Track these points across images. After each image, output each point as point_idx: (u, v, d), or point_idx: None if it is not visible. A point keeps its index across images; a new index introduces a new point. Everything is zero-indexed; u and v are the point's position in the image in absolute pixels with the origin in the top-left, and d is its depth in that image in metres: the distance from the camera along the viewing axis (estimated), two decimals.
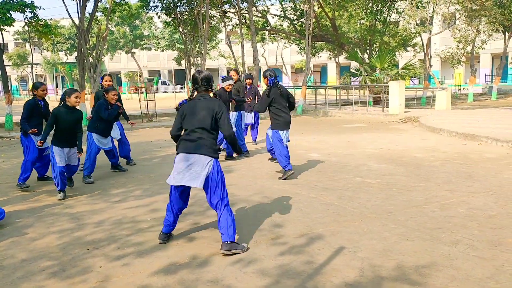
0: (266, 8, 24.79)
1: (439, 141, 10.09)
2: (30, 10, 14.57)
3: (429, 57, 23.53)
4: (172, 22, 21.43)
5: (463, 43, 23.40)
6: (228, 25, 24.08)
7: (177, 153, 3.96)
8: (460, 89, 31.23)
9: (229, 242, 3.79)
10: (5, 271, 3.62)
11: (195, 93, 4.04)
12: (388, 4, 22.29)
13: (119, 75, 59.95)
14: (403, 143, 9.93)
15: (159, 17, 22.40)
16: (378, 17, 22.41)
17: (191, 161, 3.84)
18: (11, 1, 14.05)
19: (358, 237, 4.15)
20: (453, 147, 9.16)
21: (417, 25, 22.14)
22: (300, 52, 30.61)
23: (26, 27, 16.01)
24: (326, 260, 3.65)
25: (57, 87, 54.01)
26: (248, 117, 10.10)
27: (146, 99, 16.95)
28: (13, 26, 14.39)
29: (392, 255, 3.70)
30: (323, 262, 3.62)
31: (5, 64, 15.51)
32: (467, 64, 29.08)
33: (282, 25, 29.65)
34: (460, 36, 22.99)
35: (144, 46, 48.02)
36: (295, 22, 24.45)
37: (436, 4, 20.53)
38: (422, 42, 24.24)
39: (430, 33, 22.29)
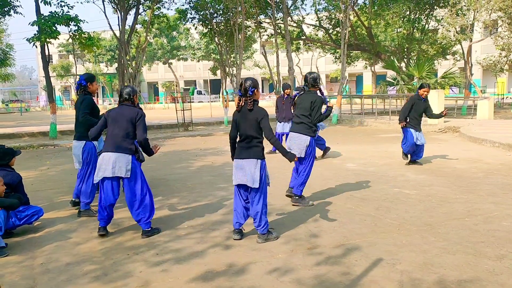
0: (301, 18, 24.84)
1: (482, 151, 9.74)
2: (74, 23, 15.17)
3: (469, 65, 22.83)
4: (208, 33, 21.81)
5: (506, 50, 22.56)
6: (263, 35, 24.27)
7: None
8: (503, 98, 30.10)
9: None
10: (51, 274, 3.77)
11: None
12: (427, 11, 21.86)
13: (157, 85, 61.45)
14: (443, 153, 9.66)
15: (195, 28, 22.90)
16: (416, 25, 22.00)
17: None
18: (56, 15, 14.72)
19: (397, 249, 4.07)
20: (496, 158, 8.83)
21: (457, 32, 21.55)
22: (335, 62, 30.41)
23: (70, 40, 16.70)
24: (363, 272, 3.60)
25: (97, 97, 55.94)
26: (285, 127, 10.12)
27: (182, 109, 17.27)
28: (58, 39, 15.04)
29: (433, 269, 3.61)
30: (360, 273, 3.57)
31: (50, 75, 16.23)
32: (510, 72, 28.05)
33: (317, 35, 29.62)
34: (503, 43, 22.19)
35: (181, 56, 49.07)
36: (330, 31, 24.36)
37: (477, 11, 19.95)
38: (463, 50, 23.55)
39: (470, 41, 21.65)
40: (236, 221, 4.48)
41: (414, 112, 8.07)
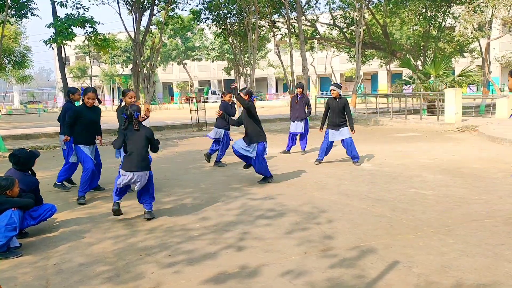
0: (315, 17, 24.69)
1: (501, 151, 9.52)
2: (90, 25, 15.37)
3: (488, 63, 22.40)
4: (222, 33, 21.84)
5: None
6: (277, 34, 24.19)
7: None
8: None
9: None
10: (64, 275, 3.78)
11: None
12: (443, 9, 21.50)
13: (171, 86, 61.81)
14: (461, 153, 9.47)
15: (209, 28, 22.93)
16: (433, 22, 21.65)
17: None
18: (72, 17, 14.90)
19: (413, 251, 3.97)
20: None
21: (474, 30, 21.15)
22: (350, 60, 30.16)
23: (86, 41, 16.88)
24: (379, 275, 3.51)
25: (113, 97, 56.55)
26: (298, 126, 10.06)
27: (196, 109, 17.31)
28: (74, 40, 15.22)
29: (451, 272, 3.51)
30: (376, 276, 3.49)
31: (66, 77, 16.43)
32: None
33: (331, 34, 29.42)
34: None
35: (195, 57, 49.26)
36: (344, 30, 24.15)
37: (495, 8, 19.53)
38: (480, 48, 23.13)
39: (489, 38, 21.25)
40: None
41: None
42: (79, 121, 6.38)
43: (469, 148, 10.26)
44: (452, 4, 21.09)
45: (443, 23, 22.35)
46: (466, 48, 24.68)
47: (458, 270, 3.53)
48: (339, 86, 8.59)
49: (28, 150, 5.09)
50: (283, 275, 3.57)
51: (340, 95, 8.47)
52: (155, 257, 4.09)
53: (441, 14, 21.84)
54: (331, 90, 8.51)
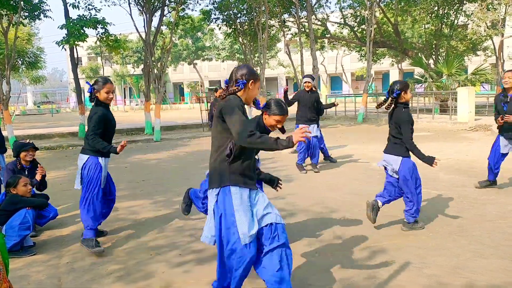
0: (325, 16, 24.58)
1: None
2: (102, 26, 15.47)
3: (501, 61, 22.08)
4: (232, 33, 21.86)
5: None
6: (287, 34, 24.14)
7: None
8: None
9: None
10: (76, 274, 3.81)
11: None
12: (456, 7, 21.25)
13: (182, 86, 62.04)
14: (474, 153, 9.34)
15: (220, 28, 22.96)
16: (445, 20, 21.40)
17: None
18: (84, 18, 15.02)
19: (425, 252, 3.92)
20: None
21: (487, 27, 20.85)
22: (360, 59, 29.96)
23: (98, 42, 17.01)
24: (390, 276, 3.48)
25: (125, 97, 56.98)
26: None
27: (207, 109, 17.34)
28: (86, 41, 15.32)
29: (463, 273, 3.46)
30: (387, 277, 3.46)
31: (79, 77, 16.57)
32: None
33: (342, 33, 29.27)
34: None
35: (205, 57, 49.38)
36: (355, 29, 24.01)
37: (509, 5, 19.24)
38: (494, 46, 22.80)
39: (502, 36, 20.95)
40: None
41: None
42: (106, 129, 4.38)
43: (482, 147, 10.10)
44: (464, 1, 20.82)
45: (456, 21, 22.08)
46: (479, 46, 24.36)
47: (471, 272, 3.48)
48: (313, 78, 8.04)
49: (17, 143, 5.22)
50: (293, 276, 3.55)
51: (313, 88, 7.90)
52: (165, 256, 4.10)
53: (453, 12, 21.58)
54: (305, 82, 7.85)
